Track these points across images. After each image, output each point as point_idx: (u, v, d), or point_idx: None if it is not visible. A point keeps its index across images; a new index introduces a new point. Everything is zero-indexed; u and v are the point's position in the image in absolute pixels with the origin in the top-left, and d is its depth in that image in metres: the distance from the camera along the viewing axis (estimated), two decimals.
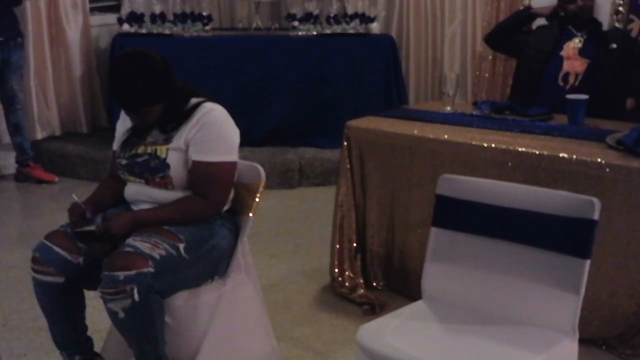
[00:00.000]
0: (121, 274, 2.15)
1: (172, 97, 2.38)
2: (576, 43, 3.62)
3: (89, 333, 2.50)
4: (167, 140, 2.39)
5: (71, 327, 2.43)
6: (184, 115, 2.39)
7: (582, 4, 3.61)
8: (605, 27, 4.06)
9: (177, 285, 2.33)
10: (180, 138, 2.37)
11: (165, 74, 2.35)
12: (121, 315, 2.18)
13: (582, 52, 3.60)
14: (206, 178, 2.35)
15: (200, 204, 2.37)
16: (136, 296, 2.15)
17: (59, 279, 2.31)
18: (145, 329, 2.25)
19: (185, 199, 2.38)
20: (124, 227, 2.32)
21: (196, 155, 2.35)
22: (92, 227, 2.35)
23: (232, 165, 2.42)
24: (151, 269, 2.17)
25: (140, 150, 2.41)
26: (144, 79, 2.30)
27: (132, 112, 2.37)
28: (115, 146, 2.53)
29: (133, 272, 2.15)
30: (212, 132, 2.37)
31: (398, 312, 2.27)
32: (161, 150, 2.37)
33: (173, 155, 2.36)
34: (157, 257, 2.21)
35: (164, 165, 2.36)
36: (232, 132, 2.42)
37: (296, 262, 3.80)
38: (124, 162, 2.43)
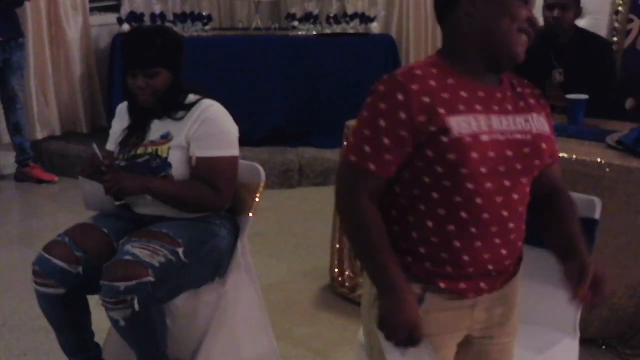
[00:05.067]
0: (122, 285, 2.14)
1: (180, 76, 2.41)
2: (558, 77, 3.51)
3: None
4: (166, 137, 2.38)
5: (78, 335, 2.43)
6: (184, 107, 2.40)
7: (559, 15, 3.41)
8: (602, 29, 4.06)
9: (178, 290, 2.33)
10: (181, 135, 2.37)
11: (182, 48, 2.42)
12: (122, 323, 2.18)
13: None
14: (213, 173, 2.35)
15: (211, 193, 2.35)
16: (137, 306, 2.14)
17: (60, 291, 2.30)
18: (146, 336, 2.25)
19: (198, 182, 2.35)
20: (135, 186, 2.30)
21: (201, 152, 2.35)
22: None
23: (236, 159, 2.42)
24: (151, 278, 2.16)
25: (140, 151, 2.40)
26: (163, 38, 2.37)
27: (145, 67, 2.34)
28: (111, 146, 2.51)
29: (133, 282, 2.14)
30: (214, 127, 2.37)
31: None
32: (162, 150, 2.37)
33: (175, 154, 2.36)
34: (157, 264, 2.20)
35: (165, 165, 2.35)
36: (232, 127, 2.43)
37: (296, 262, 3.79)
38: (123, 164, 2.41)
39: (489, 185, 1.48)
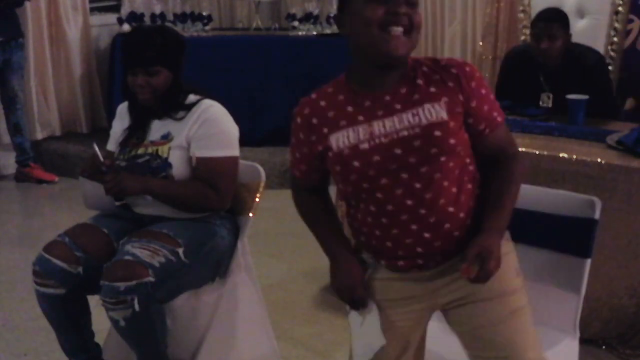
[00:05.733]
0: (122, 285, 2.14)
1: (180, 75, 2.41)
2: (545, 101, 3.46)
3: None
4: (166, 137, 2.38)
5: (78, 335, 2.42)
6: (185, 107, 2.40)
7: (547, 46, 3.30)
8: (602, 29, 4.06)
9: (178, 290, 2.32)
10: (182, 135, 2.37)
11: (183, 48, 2.42)
12: (122, 323, 2.18)
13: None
14: (213, 173, 2.35)
15: (211, 193, 2.35)
16: (137, 306, 2.14)
17: (60, 291, 2.30)
18: (146, 336, 2.25)
19: (198, 181, 2.36)
20: (135, 187, 2.31)
21: (201, 152, 2.35)
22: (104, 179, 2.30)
23: (236, 159, 2.42)
24: (151, 278, 2.17)
25: (140, 151, 2.40)
26: (164, 38, 2.37)
27: (145, 66, 2.34)
28: (112, 146, 2.51)
29: (133, 282, 2.14)
30: (214, 127, 2.37)
31: None
32: (163, 150, 2.37)
33: (175, 154, 2.36)
34: (157, 264, 2.20)
35: (166, 165, 2.35)
36: (232, 127, 2.43)
37: (296, 262, 3.80)
38: (123, 164, 2.41)
39: (384, 181, 1.64)
